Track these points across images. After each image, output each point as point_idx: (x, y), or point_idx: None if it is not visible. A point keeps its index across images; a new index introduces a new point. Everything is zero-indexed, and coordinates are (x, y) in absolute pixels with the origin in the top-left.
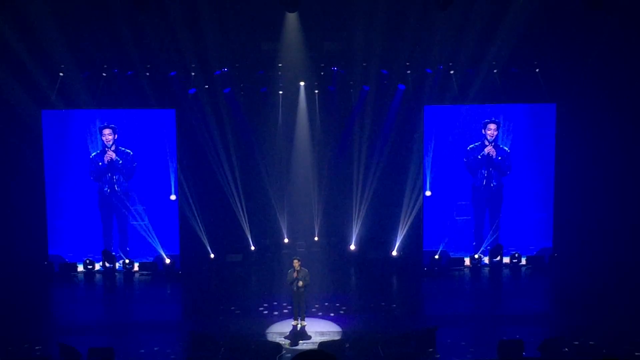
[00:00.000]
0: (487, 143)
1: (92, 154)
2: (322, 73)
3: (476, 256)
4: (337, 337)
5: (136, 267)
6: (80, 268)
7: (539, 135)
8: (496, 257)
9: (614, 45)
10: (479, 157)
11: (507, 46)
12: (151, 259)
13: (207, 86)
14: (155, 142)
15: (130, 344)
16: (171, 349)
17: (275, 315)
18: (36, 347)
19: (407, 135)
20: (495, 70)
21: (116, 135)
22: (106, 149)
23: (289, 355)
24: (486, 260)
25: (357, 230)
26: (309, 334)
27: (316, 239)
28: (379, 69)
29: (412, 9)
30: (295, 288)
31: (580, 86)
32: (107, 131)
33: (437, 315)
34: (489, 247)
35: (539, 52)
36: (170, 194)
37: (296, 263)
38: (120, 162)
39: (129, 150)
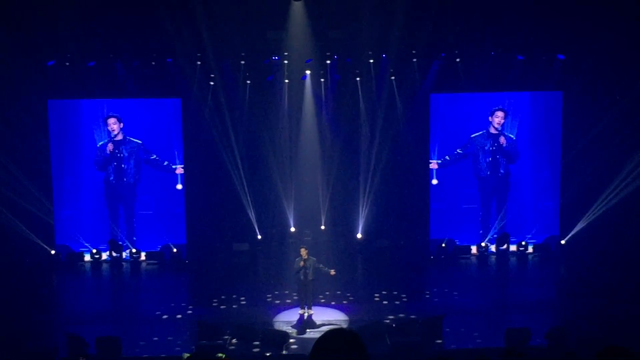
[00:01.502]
0: (493, 131)
1: (99, 144)
2: (328, 62)
3: (483, 244)
4: (344, 326)
5: (143, 256)
6: (87, 258)
7: (545, 124)
8: (503, 246)
9: (621, 33)
10: (492, 148)
11: (513, 34)
12: (158, 249)
13: (212, 75)
14: (161, 131)
15: (137, 333)
16: (178, 338)
17: (282, 304)
18: (43, 337)
19: (412, 123)
20: (501, 58)
21: (122, 125)
22: (111, 139)
23: (296, 344)
24: (493, 248)
25: (363, 219)
26: (316, 322)
27: (323, 227)
28: (385, 57)
29: None
30: (302, 277)
31: (587, 74)
32: (111, 120)
33: (444, 303)
34: (495, 236)
35: (545, 40)
36: (177, 183)
37: (304, 251)
38: (125, 153)
39: (138, 140)
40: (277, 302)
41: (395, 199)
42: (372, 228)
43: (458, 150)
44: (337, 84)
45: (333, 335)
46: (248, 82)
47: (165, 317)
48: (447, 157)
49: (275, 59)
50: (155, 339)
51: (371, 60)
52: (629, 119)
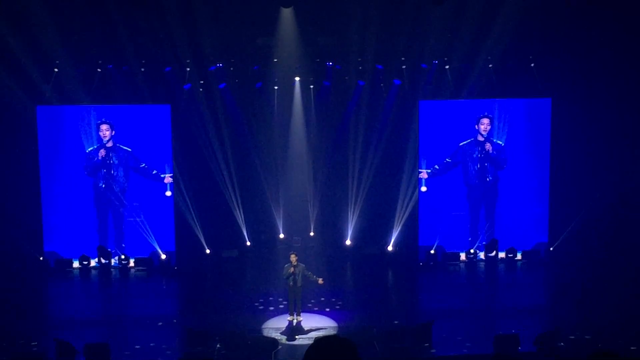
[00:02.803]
0: (480, 138)
1: (89, 149)
2: (317, 68)
3: (472, 251)
4: (332, 333)
5: (132, 263)
6: (76, 264)
7: (534, 130)
8: (492, 252)
9: (609, 39)
10: (480, 155)
11: (502, 41)
12: (147, 255)
13: (202, 81)
14: (150, 137)
15: (126, 340)
16: (167, 344)
17: (271, 310)
18: (32, 343)
19: (402, 130)
20: (490, 65)
21: (114, 132)
22: (103, 145)
23: (285, 350)
24: (482, 255)
25: (352, 226)
26: (305, 329)
27: (312, 234)
28: (374, 64)
29: (407, 3)
30: (291, 283)
31: (575, 80)
32: (104, 127)
33: (433, 309)
34: (484, 242)
35: (534, 47)
36: (166, 189)
37: (293, 258)
38: (115, 160)
39: (127, 148)
40: (269, 308)
41: (384, 206)
42: (361, 235)
43: (447, 160)
44: (327, 90)
45: (326, 342)
46: (237, 88)
47: (158, 324)
48: (436, 167)
49: (219, 65)
50: (143, 346)
51: (360, 67)
52: (617, 125)
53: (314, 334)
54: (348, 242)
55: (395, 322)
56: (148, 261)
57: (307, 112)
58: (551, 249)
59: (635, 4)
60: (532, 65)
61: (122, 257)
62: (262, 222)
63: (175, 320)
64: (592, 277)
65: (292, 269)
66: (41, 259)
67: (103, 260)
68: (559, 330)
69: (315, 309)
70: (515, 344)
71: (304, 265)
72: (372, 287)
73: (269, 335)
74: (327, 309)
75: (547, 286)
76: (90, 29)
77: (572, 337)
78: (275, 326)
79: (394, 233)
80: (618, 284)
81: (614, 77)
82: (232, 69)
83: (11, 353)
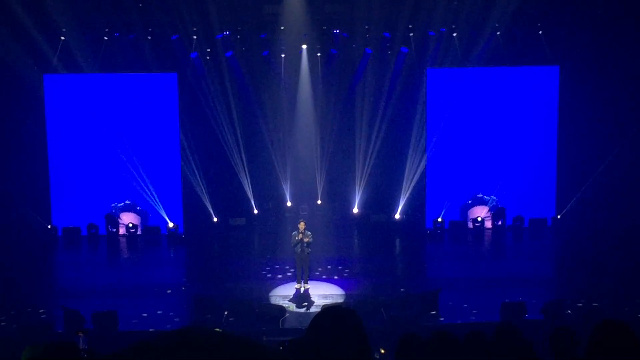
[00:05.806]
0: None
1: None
2: (324, 36)
3: (479, 219)
4: (340, 300)
5: (139, 231)
6: (84, 232)
7: (542, 98)
8: (499, 220)
9: (617, 6)
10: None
11: (510, 8)
12: (154, 223)
13: (209, 49)
14: (157, 106)
15: (134, 308)
16: (175, 312)
17: (279, 278)
18: (40, 311)
19: (409, 98)
20: (498, 33)
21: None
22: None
23: (293, 318)
24: (489, 223)
25: (360, 194)
26: (312, 297)
27: (319, 202)
28: (382, 31)
29: None
30: (299, 250)
31: (583, 48)
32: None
33: (440, 277)
34: (492, 211)
35: (542, 14)
36: (173, 158)
37: (302, 225)
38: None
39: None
40: (276, 276)
41: (391, 174)
42: (368, 203)
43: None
44: (334, 58)
45: (330, 312)
46: (244, 56)
47: (167, 291)
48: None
49: (226, 33)
50: (150, 314)
51: (367, 35)
52: (626, 92)
53: (321, 302)
54: (355, 210)
55: (402, 289)
56: (156, 229)
57: (314, 80)
58: (558, 217)
59: None
60: (540, 32)
61: (130, 225)
62: (269, 190)
63: (183, 288)
64: (599, 245)
65: (300, 236)
66: (49, 227)
67: (111, 229)
68: (566, 298)
69: (323, 276)
70: (522, 312)
71: (310, 233)
72: (379, 255)
73: (277, 302)
74: (335, 277)
75: (554, 254)
76: None
77: (579, 305)
78: (282, 294)
79: (401, 201)
80: (624, 251)
81: (622, 45)
82: (238, 37)
83: (19, 321)
